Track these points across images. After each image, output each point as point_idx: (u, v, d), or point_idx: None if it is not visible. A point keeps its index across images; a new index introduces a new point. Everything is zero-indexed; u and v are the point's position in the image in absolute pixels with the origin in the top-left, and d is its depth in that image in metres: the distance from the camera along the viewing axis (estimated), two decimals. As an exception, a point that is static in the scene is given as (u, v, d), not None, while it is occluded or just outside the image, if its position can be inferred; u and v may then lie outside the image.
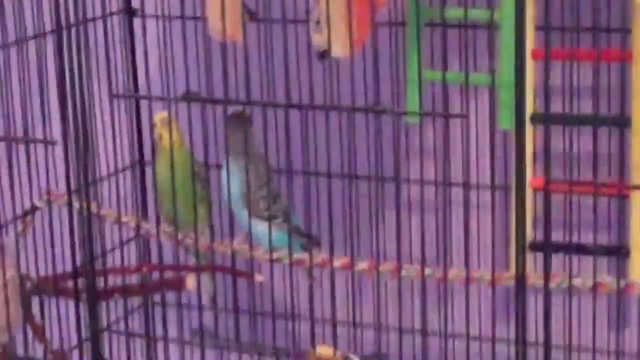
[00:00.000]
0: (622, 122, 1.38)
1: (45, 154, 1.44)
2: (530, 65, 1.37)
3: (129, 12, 1.72)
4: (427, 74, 1.44)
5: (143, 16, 1.53)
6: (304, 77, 1.66)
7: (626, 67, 1.46)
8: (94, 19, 1.65)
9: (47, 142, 1.28)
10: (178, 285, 1.47)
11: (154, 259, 1.68)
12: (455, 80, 1.43)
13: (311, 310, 1.38)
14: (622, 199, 1.44)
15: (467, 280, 1.28)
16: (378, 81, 1.30)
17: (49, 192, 1.49)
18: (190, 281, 1.45)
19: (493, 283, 1.25)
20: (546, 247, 1.25)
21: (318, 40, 1.39)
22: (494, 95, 1.27)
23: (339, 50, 1.36)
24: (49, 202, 1.48)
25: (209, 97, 1.32)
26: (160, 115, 1.49)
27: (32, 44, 1.65)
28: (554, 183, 1.28)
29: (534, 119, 1.38)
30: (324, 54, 1.38)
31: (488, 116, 1.55)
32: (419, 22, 1.43)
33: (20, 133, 1.75)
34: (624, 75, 1.49)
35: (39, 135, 1.75)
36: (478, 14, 1.36)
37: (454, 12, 1.40)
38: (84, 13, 1.41)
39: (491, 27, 1.24)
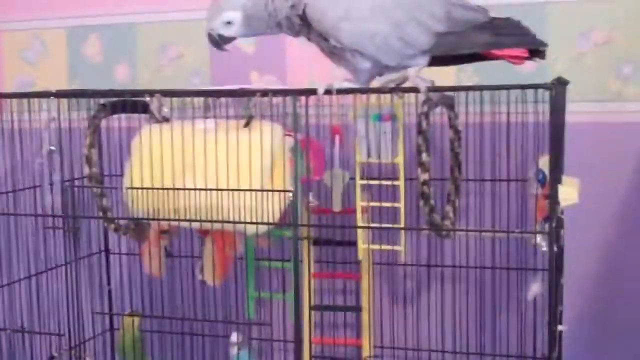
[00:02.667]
0: (357, 309, 2.15)
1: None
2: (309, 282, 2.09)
3: (106, 251, 2.30)
4: (260, 294, 2.12)
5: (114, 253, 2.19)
6: (198, 297, 2.17)
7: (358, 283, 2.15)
8: (82, 257, 2.16)
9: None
10: None
11: None
12: (270, 297, 2.12)
13: None
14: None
15: None
16: (228, 299, 2.00)
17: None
18: None
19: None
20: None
21: (201, 276, 2.05)
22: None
23: (211, 281, 2.03)
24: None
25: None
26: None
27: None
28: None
29: (311, 309, 2.11)
30: (204, 282, 2.03)
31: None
32: (251, 266, 2.10)
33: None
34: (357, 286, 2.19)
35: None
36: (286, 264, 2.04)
37: (268, 264, 2.11)
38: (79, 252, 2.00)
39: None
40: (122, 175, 1.99)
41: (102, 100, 2.00)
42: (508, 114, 1.86)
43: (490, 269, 2.09)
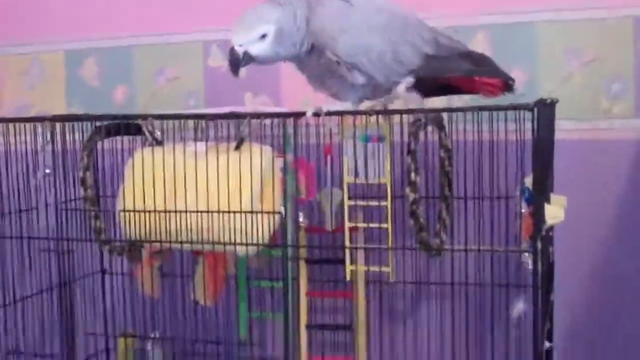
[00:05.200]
0: (350, 328, 2.16)
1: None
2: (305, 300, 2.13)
3: (102, 271, 2.32)
4: (252, 314, 2.14)
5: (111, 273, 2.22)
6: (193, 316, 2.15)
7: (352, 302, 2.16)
8: (80, 277, 2.17)
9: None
10: None
11: None
12: (260, 317, 2.14)
13: None
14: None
15: None
16: (219, 317, 2.00)
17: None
18: None
19: None
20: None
21: (193, 295, 2.07)
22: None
23: (204, 301, 2.05)
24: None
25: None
26: None
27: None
28: None
29: (306, 327, 2.10)
30: (197, 302, 2.05)
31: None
32: (243, 286, 2.12)
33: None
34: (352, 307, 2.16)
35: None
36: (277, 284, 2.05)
37: (259, 283, 2.14)
38: (73, 274, 2.06)
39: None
40: (116, 196, 2.00)
41: (97, 123, 2.02)
42: (492, 133, 1.86)
43: (478, 286, 2.09)
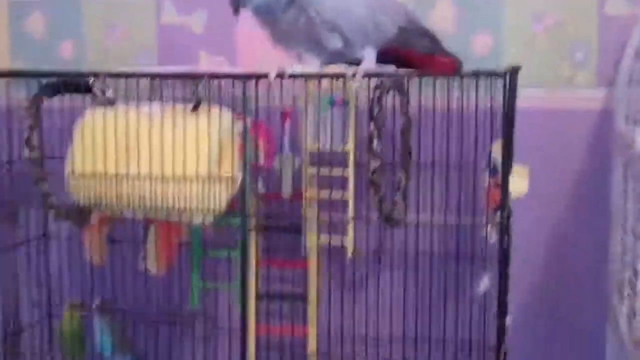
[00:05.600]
0: (302, 298, 2.10)
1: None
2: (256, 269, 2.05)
3: (45, 236, 2.21)
4: (203, 284, 2.08)
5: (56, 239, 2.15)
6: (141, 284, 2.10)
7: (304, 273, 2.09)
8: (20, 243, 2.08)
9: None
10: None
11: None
12: (216, 287, 2.07)
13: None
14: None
15: None
16: (173, 288, 1.94)
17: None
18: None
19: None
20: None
21: (144, 264, 2.01)
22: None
23: (154, 268, 2.01)
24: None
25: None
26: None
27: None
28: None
29: (257, 297, 2.06)
30: (147, 270, 2.00)
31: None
32: (196, 258, 2.07)
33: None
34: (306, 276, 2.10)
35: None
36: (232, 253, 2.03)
37: (214, 252, 2.06)
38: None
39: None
40: (64, 158, 1.92)
41: (44, 81, 1.92)
42: (462, 100, 1.82)
43: (433, 256, 2.04)
